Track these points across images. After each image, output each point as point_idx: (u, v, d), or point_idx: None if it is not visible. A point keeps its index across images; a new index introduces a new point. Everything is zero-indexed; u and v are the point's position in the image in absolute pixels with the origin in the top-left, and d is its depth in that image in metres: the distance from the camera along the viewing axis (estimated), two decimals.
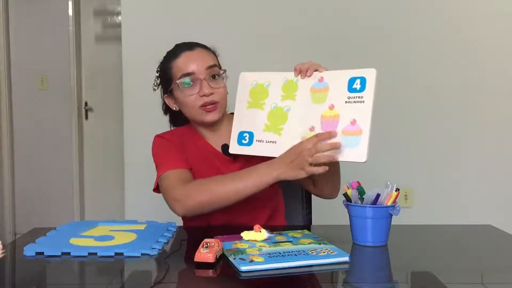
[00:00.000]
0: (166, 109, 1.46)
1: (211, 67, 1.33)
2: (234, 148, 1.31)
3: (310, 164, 1.12)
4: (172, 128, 1.48)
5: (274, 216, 1.42)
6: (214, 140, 1.40)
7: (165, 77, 1.37)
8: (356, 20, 2.68)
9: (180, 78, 1.32)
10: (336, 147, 1.12)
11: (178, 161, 1.32)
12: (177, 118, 1.46)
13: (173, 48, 1.40)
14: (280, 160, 1.18)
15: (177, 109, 1.39)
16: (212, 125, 1.38)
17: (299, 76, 1.25)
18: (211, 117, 1.34)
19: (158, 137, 1.41)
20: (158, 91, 1.45)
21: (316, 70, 1.23)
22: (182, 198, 1.23)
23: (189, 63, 1.32)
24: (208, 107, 1.32)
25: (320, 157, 1.12)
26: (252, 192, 1.20)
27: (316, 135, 1.14)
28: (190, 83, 1.31)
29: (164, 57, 1.40)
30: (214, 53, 1.40)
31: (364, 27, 2.67)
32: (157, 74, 1.43)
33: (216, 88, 1.33)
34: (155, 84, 1.43)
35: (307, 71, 1.23)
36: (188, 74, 1.31)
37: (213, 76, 1.34)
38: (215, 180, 1.24)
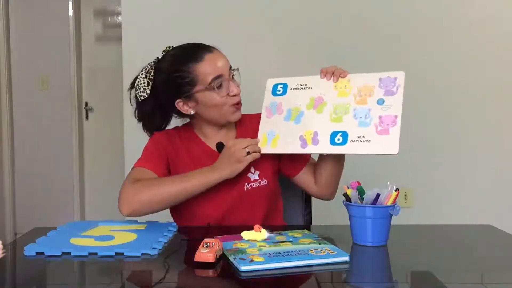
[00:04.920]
0: (141, 116, 1.42)
1: (230, 68, 1.36)
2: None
3: (247, 154, 1.25)
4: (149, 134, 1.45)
5: (272, 215, 1.43)
6: (212, 140, 1.40)
7: (183, 82, 1.32)
8: (357, 22, 2.68)
9: (212, 81, 1.30)
10: (256, 149, 1.29)
11: (152, 161, 1.33)
12: (159, 122, 1.44)
13: (189, 51, 1.35)
14: (218, 162, 1.28)
15: (193, 112, 1.37)
16: (225, 124, 1.41)
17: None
18: (237, 115, 1.37)
19: (155, 133, 1.42)
20: (125, 97, 1.43)
21: (341, 75, 1.28)
22: (124, 198, 1.24)
23: (215, 65, 1.32)
24: (237, 105, 1.36)
25: (252, 147, 1.27)
26: (193, 194, 1.27)
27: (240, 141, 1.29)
28: (222, 85, 1.32)
29: (178, 61, 1.34)
30: None
31: (365, 28, 2.67)
32: (147, 79, 1.36)
33: (238, 86, 1.37)
34: (145, 92, 1.35)
35: (333, 73, 1.29)
36: (219, 77, 1.32)
37: (232, 76, 1.37)
38: (154, 182, 1.26)
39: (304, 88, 1.33)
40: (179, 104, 1.36)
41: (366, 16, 2.68)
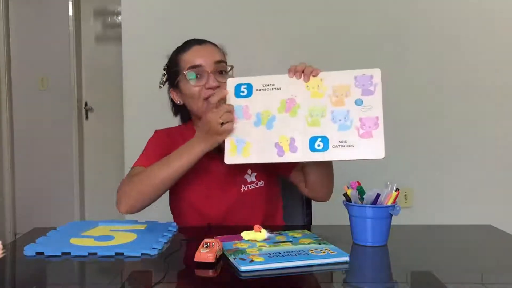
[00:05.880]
0: (176, 110, 1.46)
1: (219, 62, 1.34)
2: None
3: (222, 125, 1.17)
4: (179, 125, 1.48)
5: (272, 216, 1.43)
6: None
7: (172, 71, 1.38)
8: (356, 21, 2.67)
9: (187, 69, 1.33)
10: (230, 118, 1.19)
11: (150, 159, 1.32)
12: (185, 115, 1.47)
13: (183, 44, 1.41)
14: (197, 136, 1.24)
15: (181, 103, 1.39)
16: None
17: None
18: None
19: (156, 131, 1.44)
20: (165, 94, 1.44)
21: (312, 74, 1.20)
22: (120, 197, 1.25)
23: (197, 56, 1.34)
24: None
25: (226, 116, 1.18)
26: (182, 172, 1.23)
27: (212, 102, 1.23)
28: (197, 76, 1.32)
29: (173, 52, 1.42)
30: (222, 50, 1.41)
31: (364, 28, 2.67)
32: (164, 71, 1.43)
33: (223, 82, 1.31)
34: (161, 81, 1.43)
35: (303, 71, 1.21)
36: (195, 66, 1.32)
37: (221, 72, 1.35)
38: (144, 173, 1.25)
39: (272, 88, 1.22)
40: (172, 94, 1.41)
41: (366, 16, 2.68)
